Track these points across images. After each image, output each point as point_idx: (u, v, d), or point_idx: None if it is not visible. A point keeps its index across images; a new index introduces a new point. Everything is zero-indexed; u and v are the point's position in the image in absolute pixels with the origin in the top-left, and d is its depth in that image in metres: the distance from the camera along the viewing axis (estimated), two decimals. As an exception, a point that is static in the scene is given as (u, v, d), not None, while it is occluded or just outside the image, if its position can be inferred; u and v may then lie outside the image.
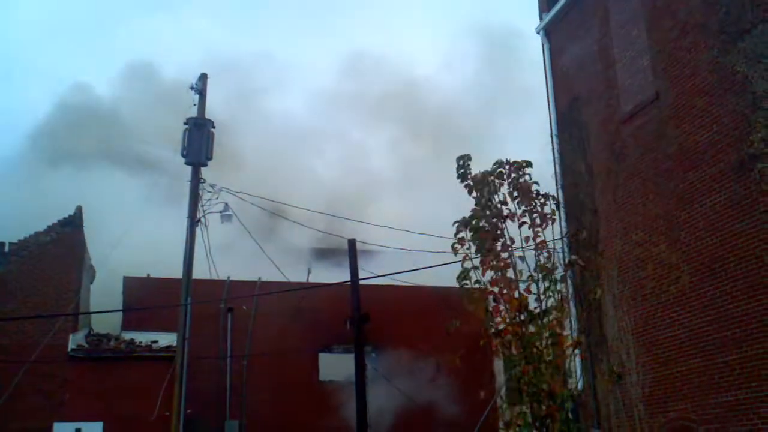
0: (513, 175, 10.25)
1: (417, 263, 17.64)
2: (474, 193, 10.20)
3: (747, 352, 12.01)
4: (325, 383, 24.85)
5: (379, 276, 19.17)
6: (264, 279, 24.35)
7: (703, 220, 13.22)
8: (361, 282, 20.67)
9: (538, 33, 18.80)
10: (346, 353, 24.28)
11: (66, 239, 21.61)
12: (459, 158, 10.72)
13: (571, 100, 17.42)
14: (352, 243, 20.80)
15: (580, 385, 14.99)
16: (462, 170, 10.40)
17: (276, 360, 23.76)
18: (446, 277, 22.07)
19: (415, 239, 20.67)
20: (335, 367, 25.07)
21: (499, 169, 10.33)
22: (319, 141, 40.80)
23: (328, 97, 45.49)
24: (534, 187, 10.34)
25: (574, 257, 12.43)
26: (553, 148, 17.60)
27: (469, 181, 10.33)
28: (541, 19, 18.73)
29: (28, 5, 55.42)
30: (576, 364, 12.33)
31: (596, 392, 15.19)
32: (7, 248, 21.50)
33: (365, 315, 20.46)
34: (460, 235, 10.01)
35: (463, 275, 9.88)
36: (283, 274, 21.16)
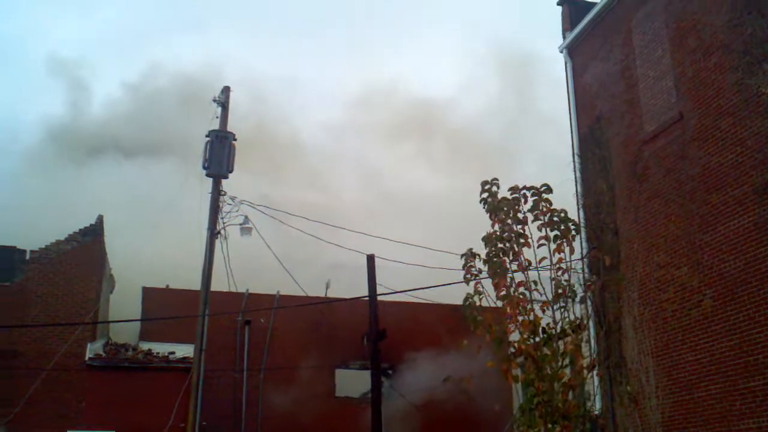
0: (534, 198, 10.17)
1: (436, 281, 17.55)
2: (493, 217, 10.14)
3: (770, 379, 11.80)
4: (341, 399, 24.76)
5: (397, 292, 19.12)
6: (283, 293, 24.35)
7: (726, 243, 13.05)
8: (380, 298, 20.59)
9: (561, 52, 18.73)
10: (362, 369, 24.19)
11: (86, 248, 21.72)
12: (484, 183, 10.66)
13: (594, 119, 17.31)
14: (370, 258, 20.72)
15: (597, 407, 14.80)
16: (487, 194, 10.33)
17: (292, 374, 23.72)
18: (463, 295, 22.06)
19: (434, 257, 20.58)
20: (352, 383, 24.99)
21: (515, 195, 10.27)
22: (339, 161, 40.96)
23: (348, 120, 45.79)
24: (554, 210, 10.25)
25: (593, 277, 12.30)
26: (575, 168, 17.48)
27: (487, 206, 10.26)
28: (564, 38, 18.66)
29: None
30: (594, 385, 12.16)
31: (615, 415, 14.97)
32: (27, 256, 21.66)
33: (382, 331, 20.35)
34: (469, 264, 9.98)
35: (469, 302, 9.84)
36: (302, 288, 21.12)
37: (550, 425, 8.82)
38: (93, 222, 22.00)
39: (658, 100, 15.13)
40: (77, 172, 31.17)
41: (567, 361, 9.13)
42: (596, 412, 11.48)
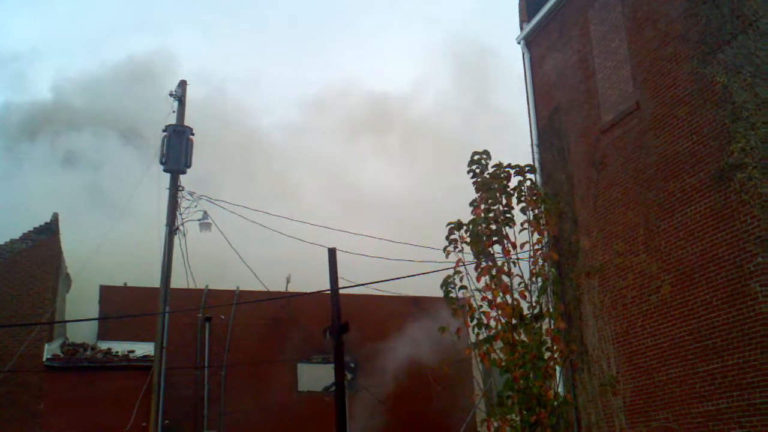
0: (518, 178, 10.25)
1: (397, 274, 17.59)
2: (479, 195, 10.15)
3: (728, 362, 12.06)
4: (304, 394, 24.71)
5: (358, 285, 19.11)
6: (243, 288, 24.19)
7: (683, 229, 13.29)
8: (341, 291, 20.55)
9: (519, 43, 18.85)
10: (325, 363, 24.18)
11: (42, 247, 21.30)
12: (474, 153, 10.69)
13: (552, 110, 17.48)
14: (332, 252, 20.66)
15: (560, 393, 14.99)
16: (476, 165, 10.33)
17: (254, 370, 23.62)
18: (426, 287, 22.15)
19: (395, 250, 20.61)
20: (314, 377, 24.96)
21: (499, 172, 10.32)
22: (298, 157, 40.81)
23: (306, 116, 45.67)
24: (537, 191, 10.33)
25: (552, 268, 12.40)
26: (533, 158, 17.62)
27: (478, 179, 10.26)
28: (521, 29, 18.79)
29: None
30: (557, 372, 12.30)
31: (577, 402, 15.17)
32: (-20, 256, 21.17)
33: (345, 325, 20.31)
34: (453, 236, 9.97)
35: (448, 281, 9.82)
36: (263, 283, 21.00)
37: (525, 412, 8.90)
38: (48, 220, 21.57)
39: (616, 90, 15.33)
40: (22, 166, 30.57)
41: (544, 348, 9.22)
42: (570, 398, 11.51)
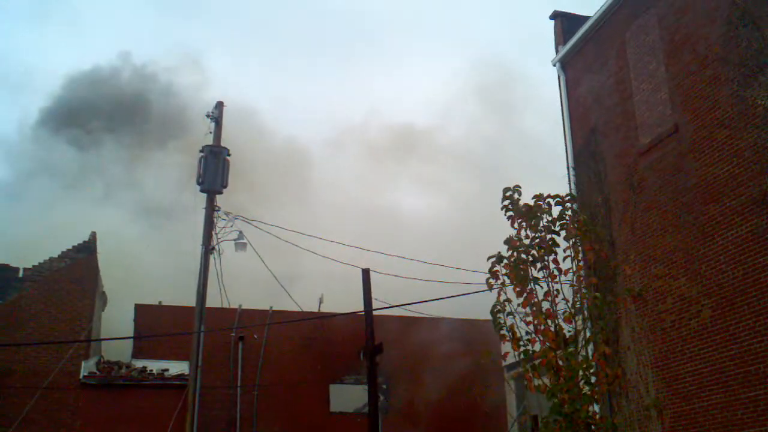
0: (559, 207, 10.27)
1: (430, 295, 17.55)
2: (516, 225, 10.19)
3: (771, 388, 11.87)
4: (336, 415, 24.67)
5: (392, 306, 19.09)
6: (276, 308, 24.28)
7: (723, 253, 13.14)
8: (375, 312, 20.55)
9: (554, 66, 18.86)
10: (356, 384, 24.15)
11: (80, 265, 21.59)
12: (506, 189, 10.73)
13: (588, 132, 17.43)
14: (365, 272, 20.69)
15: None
16: (509, 201, 10.42)
17: (287, 390, 23.63)
18: (460, 309, 22.10)
19: (427, 272, 20.59)
20: (346, 398, 24.91)
21: (539, 203, 10.35)
22: (331, 180, 41.02)
23: (338, 139, 46.01)
24: (580, 220, 10.35)
25: (591, 291, 12.32)
26: (569, 181, 17.56)
27: (512, 213, 10.33)
28: (557, 51, 18.80)
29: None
30: (604, 397, 12.18)
31: (615, 427, 14.97)
32: (21, 273, 21.50)
33: (378, 346, 20.29)
34: (494, 269, 10.00)
35: (498, 309, 9.83)
36: (296, 303, 21.08)
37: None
38: (86, 239, 21.87)
39: (654, 112, 15.26)
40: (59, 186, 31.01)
41: (590, 372, 9.17)
42: (618, 421, 11.39)
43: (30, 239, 23.86)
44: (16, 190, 30.63)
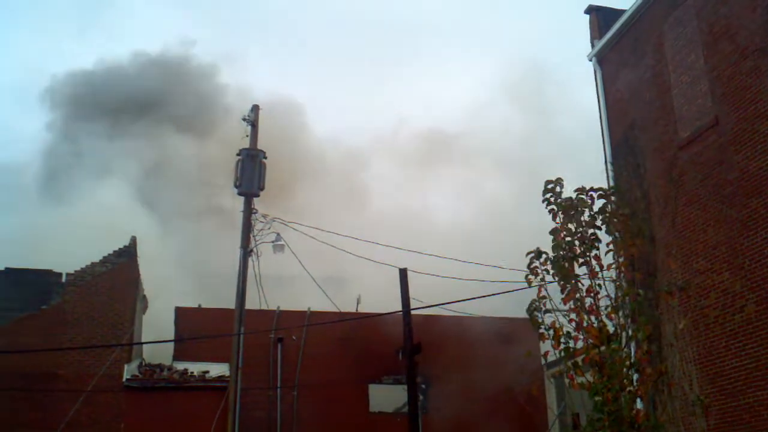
0: (602, 201, 10.17)
1: (469, 294, 17.49)
2: (558, 219, 10.11)
3: (820, 383, 11.64)
4: (375, 415, 24.68)
5: (430, 306, 19.05)
6: (314, 309, 24.38)
7: (767, 246, 12.92)
8: (413, 312, 20.53)
9: (590, 60, 18.69)
10: (395, 384, 24.14)
11: (121, 269, 21.88)
12: (548, 182, 10.66)
13: (626, 127, 17.24)
14: (403, 272, 20.69)
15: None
16: (551, 194, 10.34)
17: (326, 391, 23.68)
18: (498, 308, 21.98)
19: (464, 272, 20.53)
20: (385, 398, 24.91)
21: (581, 196, 10.26)
22: (367, 181, 41.02)
23: (374, 141, 46.08)
24: (622, 213, 10.25)
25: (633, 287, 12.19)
26: (608, 176, 17.38)
27: (554, 207, 10.25)
28: (592, 46, 18.62)
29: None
30: (647, 395, 12.04)
31: (661, 425, 14.77)
32: (64, 279, 21.84)
33: (417, 345, 20.28)
34: (533, 265, 9.91)
35: (535, 306, 9.75)
36: (334, 304, 21.15)
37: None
38: (127, 243, 22.17)
39: (693, 105, 15.05)
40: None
41: (633, 370, 9.08)
42: (664, 420, 11.26)
43: (71, 243, 24.21)
44: (55, 191, 31.08)
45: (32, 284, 22.33)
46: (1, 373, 19.85)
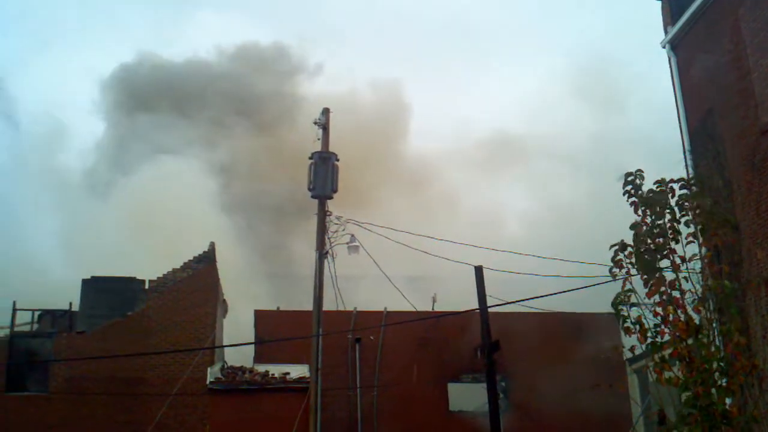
0: (683, 191, 9.93)
1: (546, 290, 17.27)
2: (640, 211, 9.90)
3: None
4: (455, 414, 24.61)
5: (507, 303, 18.88)
6: (390, 309, 24.45)
7: None
8: (490, 310, 20.39)
9: (664, 47, 18.23)
10: (474, 383, 24.02)
11: (201, 275, 22.37)
12: (628, 174, 10.49)
13: (704, 113, 16.74)
14: (479, 270, 20.57)
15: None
16: (631, 186, 10.15)
17: (405, 390, 23.74)
18: (576, 304, 21.65)
19: (541, 268, 20.28)
20: (465, 397, 24.82)
21: (662, 188, 10.03)
22: (439, 182, 40.95)
23: (446, 142, 46.02)
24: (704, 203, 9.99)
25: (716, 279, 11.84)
26: (686, 164, 16.92)
27: (635, 199, 10.05)
28: (665, 32, 18.17)
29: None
30: (740, 389, 11.68)
31: (756, 419, 14.29)
32: (147, 285, 22.45)
33: (495, 343, 20.13)
34: (618, 258, 9.72)
35: (621, 300, 9.54)
36: (411, 303, 21.17)
37: (712, 429, 8.50)
38: (206, 249, 22.64)
39: (775, 88, 14.52)
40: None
41: (725, 363, 8.82)
42: (759, 414, 10.91)
43: (151, 251, 24.87)
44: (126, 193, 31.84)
45: (117, 292, 22.98)
46: (91, 378, 20.55)
